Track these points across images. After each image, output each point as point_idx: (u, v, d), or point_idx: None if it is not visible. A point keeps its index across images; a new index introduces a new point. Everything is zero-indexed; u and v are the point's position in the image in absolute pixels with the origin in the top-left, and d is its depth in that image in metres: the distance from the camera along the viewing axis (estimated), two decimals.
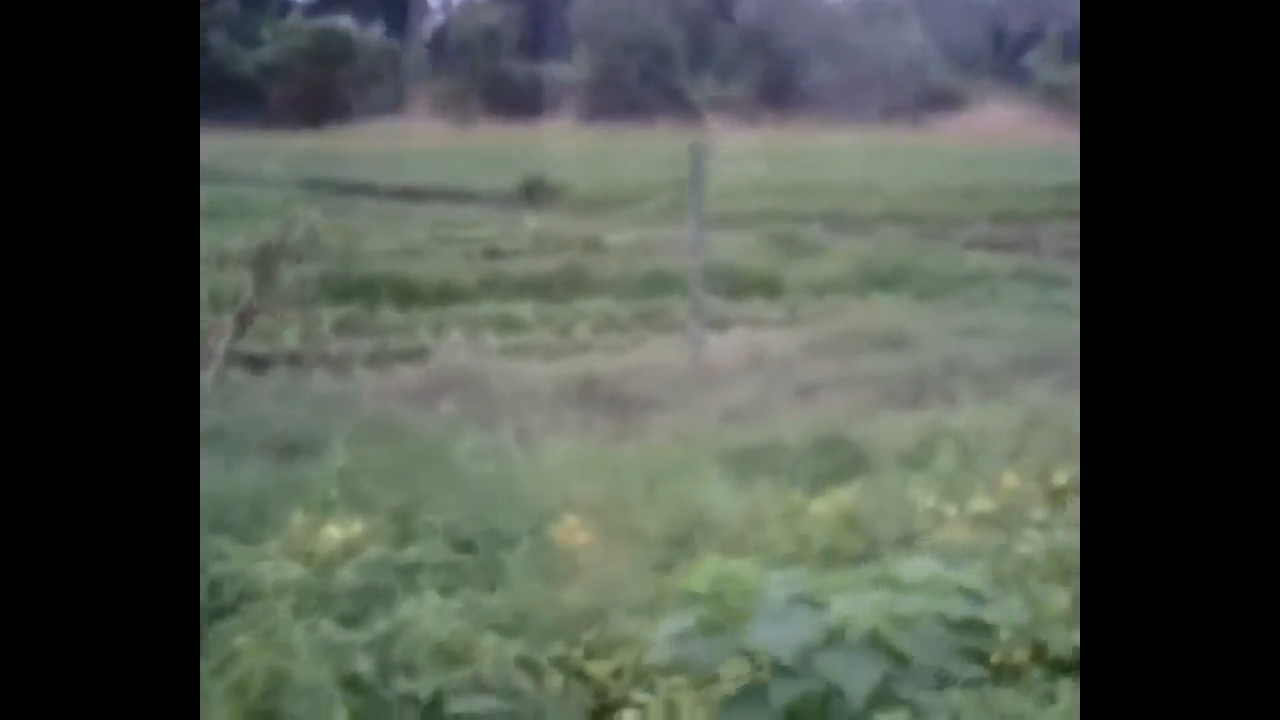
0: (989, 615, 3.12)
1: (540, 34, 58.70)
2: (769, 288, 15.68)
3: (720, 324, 13.44)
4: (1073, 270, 18.21)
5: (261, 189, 27.63)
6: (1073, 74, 53.51)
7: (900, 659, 2.92)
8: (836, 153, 37.75)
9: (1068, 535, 5.68)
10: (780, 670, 2.91)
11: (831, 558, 5.87)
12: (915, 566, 3.20)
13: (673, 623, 3.08)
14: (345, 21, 61.39)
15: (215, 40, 50.18)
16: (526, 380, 9.13)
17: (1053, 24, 57.08)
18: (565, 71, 56.71)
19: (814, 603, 3.01)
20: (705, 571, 3.07)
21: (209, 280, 11.28)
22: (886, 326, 11.19)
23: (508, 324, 13.39)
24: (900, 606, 2.97)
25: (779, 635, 2.91)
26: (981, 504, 6.48)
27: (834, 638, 2.91)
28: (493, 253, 18.39)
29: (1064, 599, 5.00)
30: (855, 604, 2.95)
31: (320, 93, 50.65)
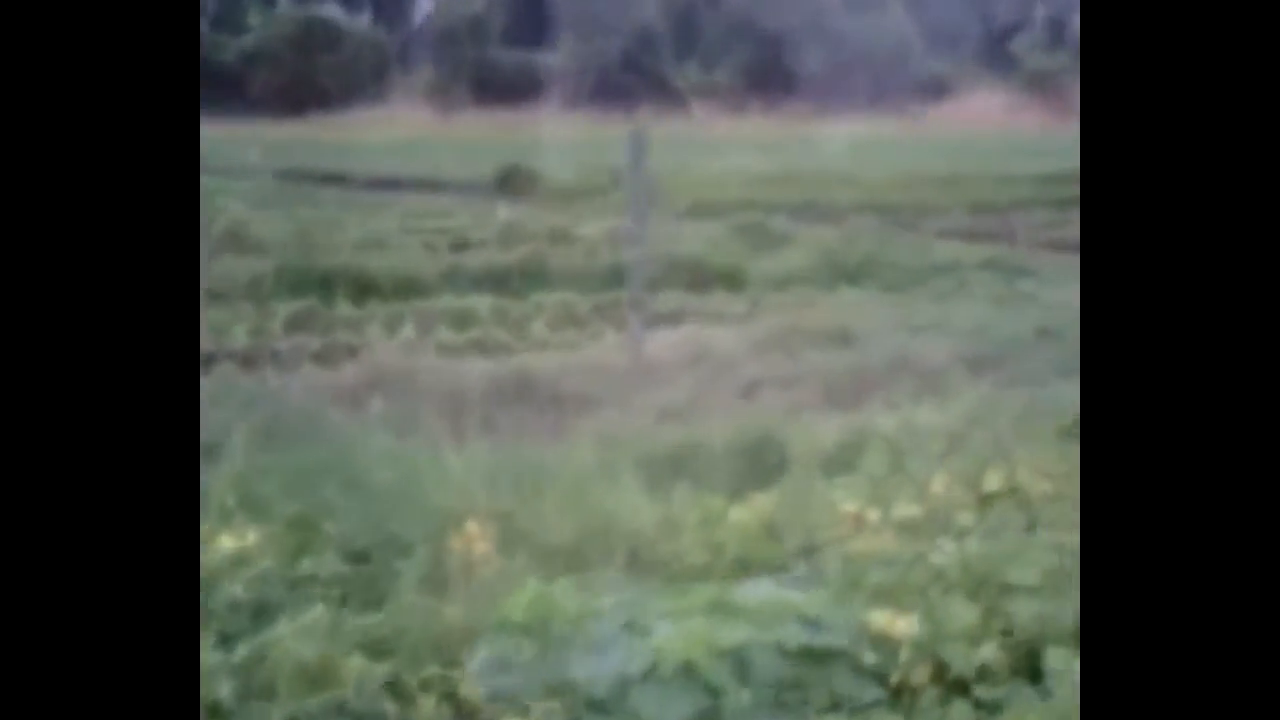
0: (826, 643, 2.94)
1: (526, 21, 58.43)
2: (732, 280, 15.48)
3: (677, 318, 13.27)
4: (1045, 261, 18.07)
5: (238, 179, 27.43)
6: (1059, 60, 53.42)
7: (716, 692, 2.75)
8: (820, 141, 37.55)
9: (983, 544, 5.51)
10: (593, 705, 2.74)
11: (744, 567, 5.69)
12: (754, 590, 3.02)
13: (486, 651, 2.90)
14: (332, 10, 61.16)
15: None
16: (461, 379, 8.95)
17: (1039, 9, 56.86)
18: (551, 59, 56.45)
19: (642, 630, 2.84)
20: (525, 596, 2.88)
21: None
22: (837, 322, 11.00)
23: (463, 319, 13.19)
24: (723, 635, 2.80)
25: (596, 666, 2.74)
26: (908, 509, 6.29)
27: (654, 669, 2.74)
28: (460, 244, 18.18)
29: (969, 614, 4.82)
30: (674, 633, 2.77)
31: (305, 81, 50.38)
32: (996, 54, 59.72)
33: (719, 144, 36.94)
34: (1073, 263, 18.67)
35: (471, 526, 5.53)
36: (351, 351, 11.65)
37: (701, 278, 15.47)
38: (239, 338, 12.37)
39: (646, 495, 6.44)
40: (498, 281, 15.12)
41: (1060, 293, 14.21)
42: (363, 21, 60.49)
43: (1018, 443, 7.39)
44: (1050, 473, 6.79)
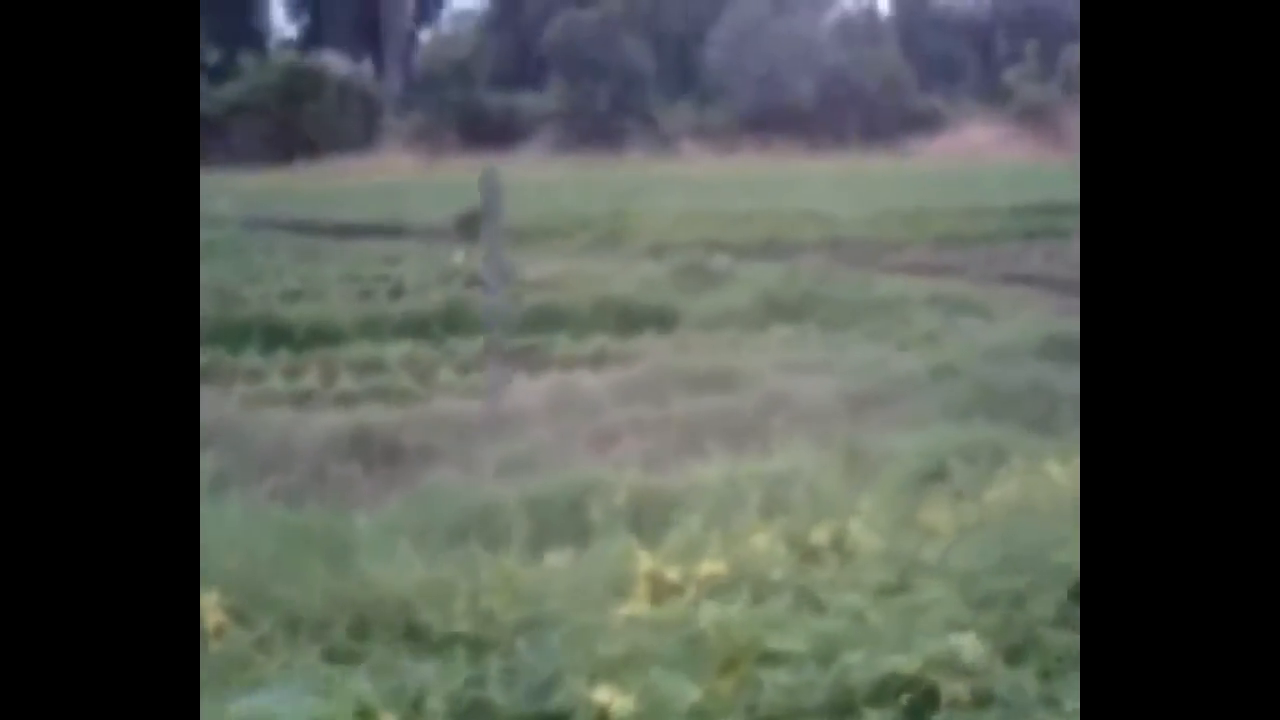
0: None
1: (516, 65, 58.35)
2: (663, 322, 15.05)
3: (599, 361, 12.88)
4: (995, 295, 17.64)
5: (214, 229, 27.20)
6: (1051, 91, 53.14)
7: None
8: (804, 178, 37.24)
9: (753, 608, 5.06)
10: None
11: (513, 633, 5.26)
12: (248, 705, 2.61)
13: None
14: (330, 57, 61.13)
15: None
16: (295, 433, 8.53)
17: (1032, 40, 56.60)
18: (538, 102, 56.29)
19: None
20: None
21: None
22: (721, 363, 10.55)
23: (370, 366, 12.80)
24: None
25: None
26: (712, 567, 5.84)
27: None
28: (398, 291, 17.80)
29: (694, 690, 4.35)
30: None
31: (291, 129, 50.30)
32: (990, 86, 59.47)
33: (703, 184, 36.65)
34: (1025, 295, 18.13)
35: (209, 597, 5.11)
36: (251, 401, 11.23)
37: (631, 319, 15.06)
38: None
39: (443, 556, 6.02)
40: (419, 328, 14.72)
41: (996, 328, 13.80)
42: (354, 68, 60.45)
43: (865, 492, 6.95)
44: (882, 527, 6.35)
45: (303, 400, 11.30)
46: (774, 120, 53.32)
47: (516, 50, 59.53)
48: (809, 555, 6.20)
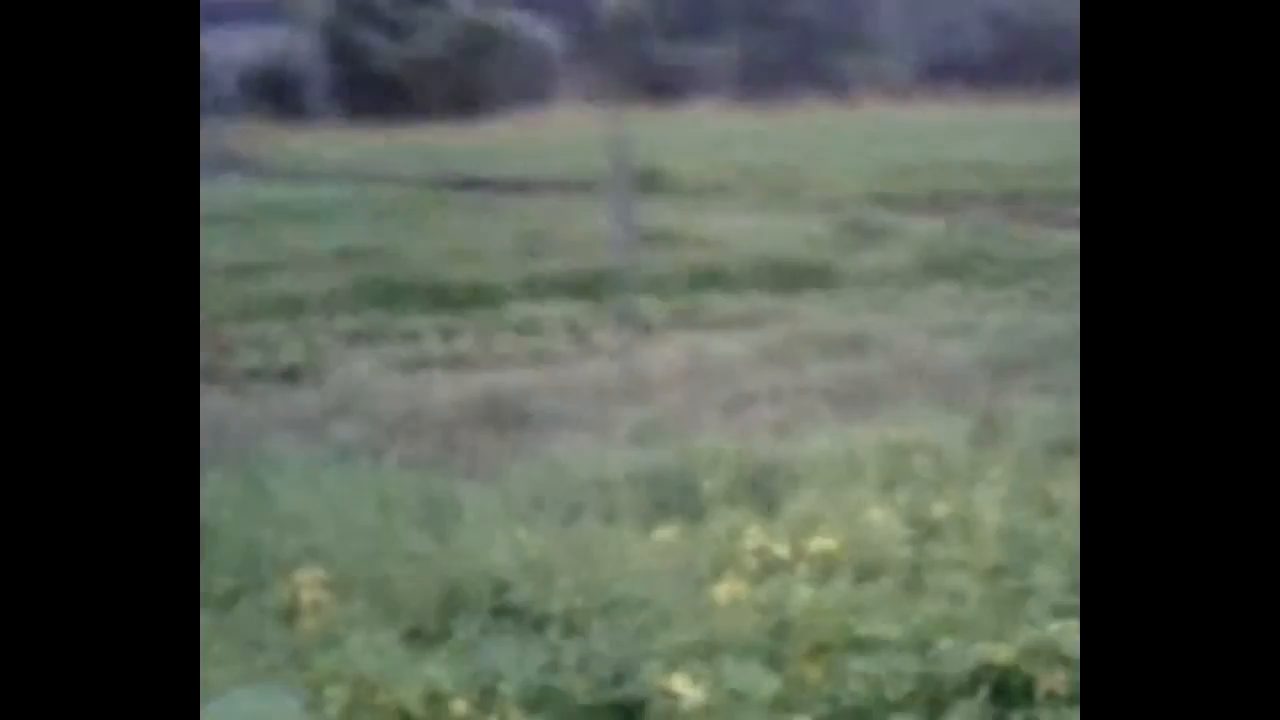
0: None
1: (690, 18, 57.98)
2: (823, 279, 14.81)
3: (754, 322, 12.72)
4: None
5: (392, 187, 27.70)
6: None
7: None
8: (979, 128, 36.39)
9: (854, 590, 4.91)
10: None
11: (607, 613, 5.19)
12: (230, 710, 2.59)
13: None
14: (508, 13, 61.45)
15: (365, 36, 50.87)
16: (427, 400, 8.53)
17: None
18: (715, 54, 55.86)
19: None
20: None
21: None
22: (856, 326, 10.32)
23: (530, 327, 12.83)
24: None
25: None
26: (823, 543, 5.70)
27: None
28: (563, 249, 17.74)
29: (774, 682, 4.23)
30: None
31: (470, 85, 50.69)
32: None
33: (875, 134, 35.98)
34: None
35: (307, 574, 5.15)
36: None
37: (789, 277, 14.85)
38: (294, 353, 12.05)
39: (553, 530, 5.98)
40: (581, 288, 14.64)
41: None
42: (534, 25, 60.59)
43: (994, 464, 6.75)
44: (1006, 502, 6.14)
45: (455, 363, 11.36)
46: (951, 69, 52.14)
47: (692, 4, 59.11)
48: (927, 531, 6.04)
